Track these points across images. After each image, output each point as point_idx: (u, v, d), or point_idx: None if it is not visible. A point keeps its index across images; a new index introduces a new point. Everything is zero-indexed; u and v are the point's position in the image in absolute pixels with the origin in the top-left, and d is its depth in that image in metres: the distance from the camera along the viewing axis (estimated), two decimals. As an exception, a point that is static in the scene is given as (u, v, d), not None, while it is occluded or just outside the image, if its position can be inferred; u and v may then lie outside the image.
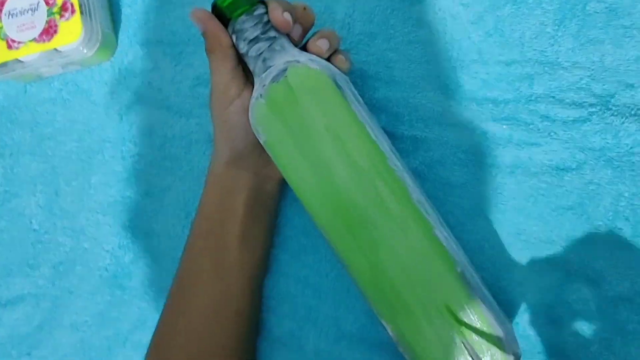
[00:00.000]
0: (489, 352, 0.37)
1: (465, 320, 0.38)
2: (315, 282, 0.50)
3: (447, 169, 0.48)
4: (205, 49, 0.44)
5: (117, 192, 0.54)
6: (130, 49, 0.55)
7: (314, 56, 0.42)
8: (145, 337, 0.53)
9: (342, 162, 0.39)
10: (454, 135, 0.48)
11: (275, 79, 0.40)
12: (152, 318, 0.53)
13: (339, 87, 0.39)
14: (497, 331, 0.38)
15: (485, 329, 0.38)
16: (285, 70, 0.40)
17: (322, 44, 0.42)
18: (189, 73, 0.53)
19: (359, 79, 0.50)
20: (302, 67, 0.40)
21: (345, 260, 0.40)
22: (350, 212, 0.39)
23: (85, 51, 0.52)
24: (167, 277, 0.52)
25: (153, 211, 0.53)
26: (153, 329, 0.50)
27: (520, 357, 0.38)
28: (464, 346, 0.38)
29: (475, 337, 0.38)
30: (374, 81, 0.50)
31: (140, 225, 0.54)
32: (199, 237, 0.46)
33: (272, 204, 0.48)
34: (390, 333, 0.40)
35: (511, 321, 0.46)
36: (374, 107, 0.49)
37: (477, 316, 0.38)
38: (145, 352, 0.51)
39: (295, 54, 0.42)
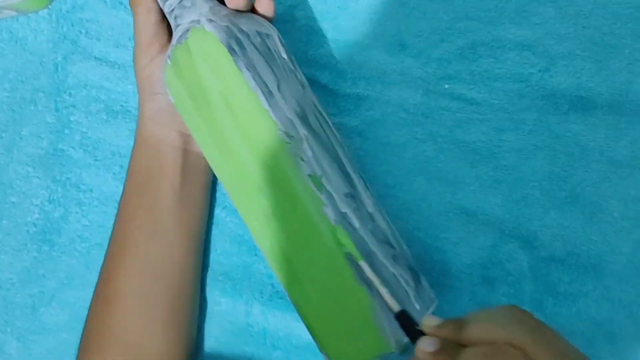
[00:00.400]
0: (360, 339, 0.37)
1: (347, 304, 0.37)
2: (250, 240, 0.49)
3: (387, 128, 0.48)
4: (129, 2, 0.43)
5: (49, 144, 0.52)
6: (68, -4, 0.53)
7: (222, 13, 0.39)
8: (72, 295, 0.50)
9: (234, 130, 0.38)
10: (396, 95, 0.48)
11: (179, 40, 0.39)
12: (81, 275, 0.51)
13: (233, 52, 0.37)
14: (376, 319, 0.37)
15: (362, 316, 0.37)
16: (188, 31, 0.38)
17: None
18: (129, 23, 0.51)
19: (304, 35, 0.49)
20: (200, 30, 0.38)
21: (247, 225, 0.40)
22: (245, 180, 0.39)
23: (19, -6, 0.49)
24: (98, 233, 0.51)
25: (85, 165, 0.51)
26: (81, 287, 0.48)
27: (402, 345, 0.37)
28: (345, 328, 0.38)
29: (351, 323, 0.37)
30: (318, 37, 0.49)
31: (71, 179, 0.52)
32: (132, 195, 0.45)
33: (206, 163, 0.47)
34: (292, 304, 0.40)
35: (433, 294, 0.43)
36: (318, 64, 0.49)
37: (355, 301, 0.37)
38: (71, 310, 0.49)
39: (203, 12, 0.40)
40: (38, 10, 0.53)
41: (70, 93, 0.52)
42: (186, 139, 0.44)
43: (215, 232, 0.49)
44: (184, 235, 0.45)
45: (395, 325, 0.36)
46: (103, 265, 0.45)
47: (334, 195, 0.38)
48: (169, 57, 0.40)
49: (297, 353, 0.47)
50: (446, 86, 0.47)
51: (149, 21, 0.42)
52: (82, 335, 0.44)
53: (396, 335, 0.37)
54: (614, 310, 0.44)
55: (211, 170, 0.47)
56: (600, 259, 0.44)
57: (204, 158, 0.46)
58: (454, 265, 0.46)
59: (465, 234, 0.46)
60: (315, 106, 0.42)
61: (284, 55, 0.42)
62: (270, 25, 0.42)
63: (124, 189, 0.45)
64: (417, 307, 0.39)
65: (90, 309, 0.44)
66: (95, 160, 0.51)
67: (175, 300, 0.44)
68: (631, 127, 0.45)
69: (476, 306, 0.45)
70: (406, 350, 0.38)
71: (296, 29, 0.49)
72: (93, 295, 0.44)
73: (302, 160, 0.38)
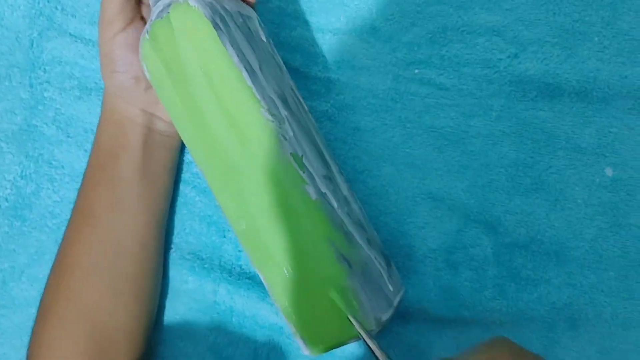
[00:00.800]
0: (337, 319, 0.37)
1: (325, 284, 0.37)
2: (219, 221, 0.49)
3: (357, 113, 0.48)
4: None
5: (23, 120, 0.52)
6: (45, -27, 0.53)
7: None
8: (42, 270, 0.51)
9: (214, 107, 0.38)
10: (366, 79, 0.48)
11: (159, 15, 0.39)
12: (50, 251, 0.51)
13: (218, 28, 0.37)
14: (357, 298, 0.37)
15: (343, 295, 0.37)
16: (169, 6, 0.38)
17: None
18: (104, 1, 0.51)
19: (276, 16, 0.49)
20: (183, 5, 0.38)
21: (220, 205, 0.40)
22: (222, 158, 0.38)
23: (-6, -31, 0.49)
24: (68, 210, 0.50)
25: (58, 141, 0.52)
26: (51, 263, 0.48)
27: (381, 323, 0.38)
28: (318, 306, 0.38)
29: (329, 303, 0.37)
30: (290, 19, 0.49)
31: (44, 155, 0.52)
32: (96, 169, 0.45)
33: (172, 142, 0.46)
34: (262, 280, 0.40)
35: (399, 274, 0.44)
36: (289, 46, 0.49)
37: (334, 281, 0.37)
38: (40, 286, 0.49)
39: None
40: (14, -13, 0.53)
41: (45, 69, 0.52)
42: (150, 117, 0.44)
43: (184, 211, 0.50)
44: (146, 210, 0.45)
45: (374, 303, 0.37)
46: (64, 236, 0.45)
47: (315, 176, 0.38)
48: (147, 31, 0.39)
49: (262, 332, 0.48)
50: (416, 71, 0.47)
51: None
52: (40, 304, 0.44)
53: (375, 313, 0.37)
54: (575, 296, 0.44)
55: (176, 149, 0.48)
56: (563, 245, 0.45)
57: (169, 137, 0.46)
58: (419, 250, 0.46)
59: (431, 219, 0.46)
60: (293, 90, 0.42)
61: (264, 39, 0.42)
62: (251, 9, 0.43)
63: (88, 161, 0.45)
64: (391, 288, 0.40)
65: (48, 278, 0.44)
66: (68, 137, 0.51)
67: (137, 274, 0.44)
68: (598, 115, 0.45)
69: (440, 290, 0.46)
70: (384, 329, 0.38)
71: (268, 11, 0.49)
72: (52, 265, 0.45)
73: (285, 139, 0.38)
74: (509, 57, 0.46)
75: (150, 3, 0.41)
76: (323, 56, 0.48)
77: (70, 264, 0.44)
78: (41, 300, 0.44)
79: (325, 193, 0.38)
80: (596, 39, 0.45)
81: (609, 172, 0.45)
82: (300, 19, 0.49)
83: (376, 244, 0.41)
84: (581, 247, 0.45)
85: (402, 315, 0.45)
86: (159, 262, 0.47)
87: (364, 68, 0.48)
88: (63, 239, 0.45)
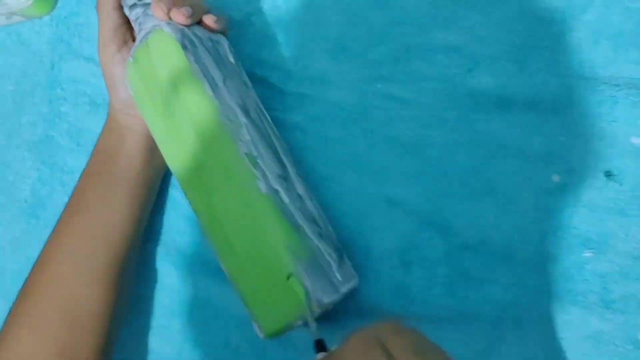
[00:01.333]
0: (285, 301, 0.42)
1: (273, 268, 0.42)
2: (203, 221, 0.54)
3: (326, 124, 0.52)
4: (96, 5, 0.50)
5: (42, 131, 0.60)
6: (67, 4, 0.61)
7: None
8: (51, 263, 0.57)
9: (182, 116, 0.44)
10: (335, 94, 0.52)
11: (141, 41, 0.46)
12: (59, 246, 0.57)
13: (185, 48, 0.44)
14: (302, 283, 0.41)
15: (289, 280, 0.41)
16: (149, 32, 0.45)
17: (183, 12, 0.45)
18: (113, 27, 0.59)
19: (258, 37, 0.55)
20: (159, 31, 0.45)
21: (190, 203, 0.46)
22: (191, 161, 0.44)
23: (23, 0, 0.58)
24: (75, 209, 0.57)
25: (70, 150, 0.59)
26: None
27: (323, 305, 0.42)
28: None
29: (278, 286, 0.42)
30: (270, 40, 0.54)
31: (58, 162, 0.59)
32: (94, 168, 0.51)
33: None
34: (226, 275, 0.45)
35: (354, 271, 0.47)
36: (269, 64, 0.54)
37: (281, 265, 0.42)
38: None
39: (163, 19, 0.46)
40: (42, 16, 0.61)
41: (62, 87, 0.60)
42: None
43: (170, 211, 0.55)
44: (135, 207, 0.50)
45: (318, 288, 0.41)
46: (55, 227, 0.50)
47: (268, 174, 0.44)
48: (131, 56, 0.46)
49: (234, 322, 0.52)
50: (379, 86, 0.51)
51: (107, 25, 0.49)
52: (24, 285, 0.48)
53: (318, 296, 0.41)
54: (521, 296, 0.46)
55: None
56: (511, 247, 0.47)
57: None
58: (375, 250, 0.49)
59: (387, 221, 0.49)
60: (257, 104, 0.48)
61: (232, 60, 0.48)
62: (222, 36, 0.49)
63: (87, 164, 0.51)
64: (339, 277, 0.44)
65: (35, 263, 0.49)
66: (78, 146, 0.58)
67: (115, 264, 0.49)
68: (546, 124, 0.47)
69: (393, 288, 0.49)
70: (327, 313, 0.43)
71: (252, 32, 0.55)
72: (41, 251, 0.50)
73: (240, 140, 0.44)
74: (464, 72, 0.49)
75: (136, 30, 0.48)
76: (298, 73, 0.53)
77: (58, 249, 0.49)
78: (25, 283, 0.49)
79: (277, 189, 0.43)
80: (547, 53, 0.48)
81: (556, 178, 0.47)
82: (278, 40, 0.54)
83: (329, 238, 0.45)
84: (528, 249, 0.46)
85: (358, 311, 0.48)
86: (135, 256, 0.52)
87: (334, 84, 0.52)
88: (53, 230, 0.50)
